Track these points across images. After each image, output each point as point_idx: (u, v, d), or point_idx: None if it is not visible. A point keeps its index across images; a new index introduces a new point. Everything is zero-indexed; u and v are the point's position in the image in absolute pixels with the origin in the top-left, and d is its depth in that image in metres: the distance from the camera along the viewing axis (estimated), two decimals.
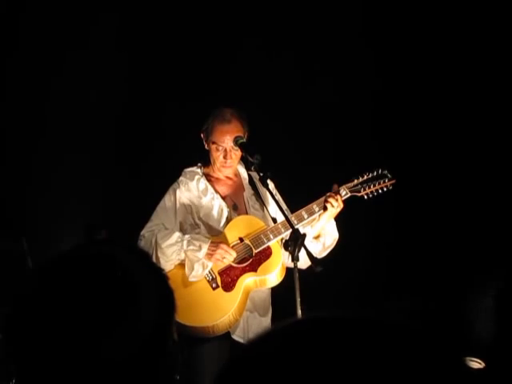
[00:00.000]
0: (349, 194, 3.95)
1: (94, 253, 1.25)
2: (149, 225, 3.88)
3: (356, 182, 3.99)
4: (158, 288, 1.23)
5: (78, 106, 5.15)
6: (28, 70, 5.06)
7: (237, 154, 3.89)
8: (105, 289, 1.19)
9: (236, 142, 3.80)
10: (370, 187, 3.98)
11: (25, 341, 1.18)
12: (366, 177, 4.00)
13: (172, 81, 5.26)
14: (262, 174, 3.69)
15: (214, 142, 3.88)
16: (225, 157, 3.88)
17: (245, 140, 3.83)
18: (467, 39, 5.03)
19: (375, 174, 4.02)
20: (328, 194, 3.87)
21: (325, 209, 3.85)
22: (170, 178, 4.02)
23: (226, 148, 3.86)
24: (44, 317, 1.17)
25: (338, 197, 3.85)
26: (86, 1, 5.18)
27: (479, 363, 4.37)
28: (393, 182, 4.02)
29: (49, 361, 1.15)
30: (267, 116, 5.04)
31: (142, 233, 3.85)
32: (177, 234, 3.77)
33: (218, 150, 3.89)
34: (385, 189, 4.00)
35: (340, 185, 3.94)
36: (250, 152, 3.74)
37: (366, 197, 3.97)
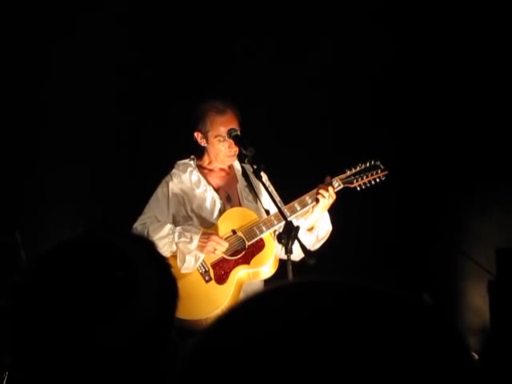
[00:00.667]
0: (341, 186, 3.95)
1: (93, 241, 1.25)
2: (141, 217, 3.87)
3: (349, 173, 3.99)
4: (160, 275, 1.23)
5: (75, 101, 5.12)
6: (25, 64, 5.02)
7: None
8: (104, 276, 1.19)
9: (230, 134, 3.80)
10: (362, 178, 3.98)
11: (24, 329, 1.18)
12: (358, 168, 4.00)
13: (166, 77, 5.24)
14: (255, 167, 3.68)
15: (217, 135, 3.86)
16: (230, 146, 3.87)
17: (238, 132, 3.83)
18: (464, 36, 5.04)
19: (368, 165, 4.02)
20: (320, 185, 3.87)
21: (317, 201, 3.85)
22: (163, 171, 4.01)
23: None
24: (43, 304, 1.17)
25: (330, 188, 3.85)
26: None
27: (473, 355, 4.39)
28: (385, 173, 4.02)
29: (47, 347, 1.15)
30: (260, 108, 5.02)
31: (135, 225, 3.85)
32: (168, 227, 3.76)
33: (221, 141, 3.87)
34: (377, 180, 4.00)
35: (333, 176, 3.95)
36: (243, 144, 3.73)
37: (358, 188, 3.97)
